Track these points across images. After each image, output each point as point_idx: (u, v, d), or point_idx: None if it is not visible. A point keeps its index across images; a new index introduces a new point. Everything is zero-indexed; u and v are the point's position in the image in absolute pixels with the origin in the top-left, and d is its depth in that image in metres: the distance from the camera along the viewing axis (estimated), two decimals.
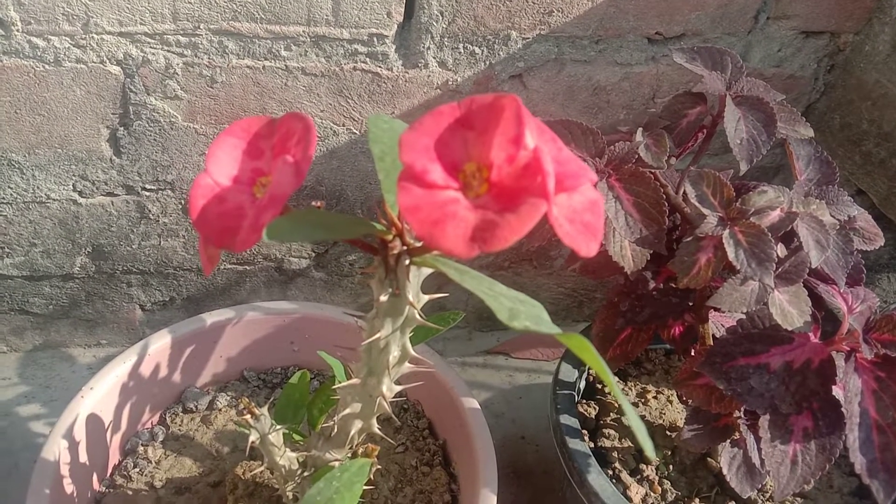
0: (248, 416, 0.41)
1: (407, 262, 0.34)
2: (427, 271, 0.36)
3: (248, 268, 0.83)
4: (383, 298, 0.35)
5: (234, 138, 0.31)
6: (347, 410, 0.41)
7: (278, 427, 0.43)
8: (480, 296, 0.30)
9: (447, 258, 0.34)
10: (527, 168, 0.26)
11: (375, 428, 0.42)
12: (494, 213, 0.26)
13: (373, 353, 0.38)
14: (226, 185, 0.30)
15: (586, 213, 0.28)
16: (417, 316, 0.37)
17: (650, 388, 0.70)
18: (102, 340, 0.87)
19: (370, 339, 0.37)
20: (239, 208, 0.30)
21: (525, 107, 0.27)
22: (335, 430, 0.43)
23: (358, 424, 0.42)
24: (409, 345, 0.39)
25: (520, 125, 0.26)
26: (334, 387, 0.40)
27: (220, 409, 0.63)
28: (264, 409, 0.42)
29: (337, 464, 0.43)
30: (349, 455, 0.46)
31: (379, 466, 0.47)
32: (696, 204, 0.46)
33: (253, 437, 0.42)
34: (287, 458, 0.44)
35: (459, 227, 0.25)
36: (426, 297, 0.38)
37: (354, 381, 0.39)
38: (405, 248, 0.34)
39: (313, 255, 0.83)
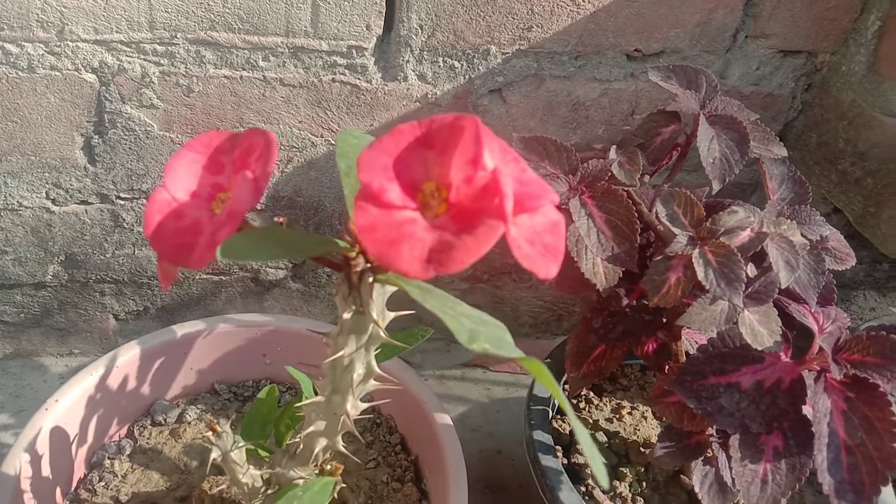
0: (210, 433, 0.41)
1: (370, 279, 0.34)
2: (392, 288, 0.36)
3: (223, 278, 0.82)
4: (346, 316, 0.35)
5: (194, 153, 0.31)
6: (312, 428, 0.40)
7: (241, 444, 0.42)
8: (441, 316, 0.30)
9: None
10: (485, 189, 0.26)
11: (340, 446, 0.42)
12: (451, 235, 0.25)
13: (337, 371, 0.38)
14: (184, 200, 0.30)
15: (547, 235, 0.28)
16: (382, 334, 0.36)
17: (625, 403, 0.69)
18: (75, 350, 0.86)
19: (333, 357, 0.36)
20: (196, 224, 0.29)
21: (486, 126, 0.27)
22: (300, 447, 0.42)
23: (322, 442, 0.41)
24: (374, 363, 0.38)
25: (478, 146, 0.25)
26: (297, 405, 0.40)
27: (190, 423, 0.62)
28: (226, 426, 0.42)
29: (301, 482, 0.42)
30: (316, 473, 0.45)
31: (344, 485, 0.47)
32: (667, 223, 0.46)
33: (214, 454, 0.41)
34: (250, 476, 0.44)
35: (416, 248, 0.25)
36: (392, 315, 0.37)
37: (318, 398, 0.39)
38: (368, 265, 0.33)
39: (290, 265, 0.83)
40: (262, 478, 0.45)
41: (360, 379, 0.38)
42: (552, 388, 0.27)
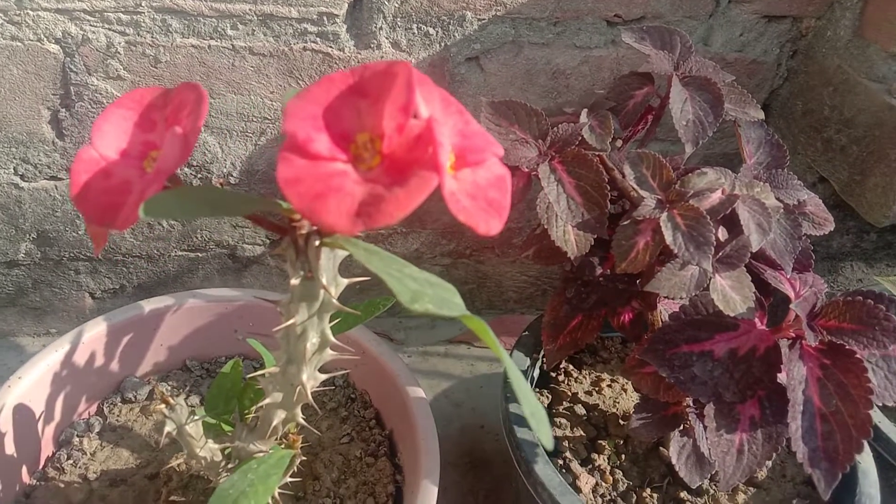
0: (163, 406, 0.40)
1: (317, 242, 0.32)
2: (344, 253, 0.35)
3: (200, 255, 0.81)
4: (295, 282, 0.33)
5: (125, 110, 0.29)
6: (269, 400, 0.39)
7: (196, 417, 0.41)
8: (385, 278, 0.28)
9: (358, 238, 0.32)
10: (419, 139, 0.24)
11: (300, 418, 0.41)
12: (383, 187, 0.24)
13: (290, 340, 0.37)
14: (113, 159, 0.28)
15: (491, 190, 0.27)
16: (334, 301, 0.35)
17: (605, 376, 0.68)
18: (52, 329, 0.85)
19: (285, 325, 0.35)
20: (125, 183, 0.28)
21: (418, 73, 0.25)
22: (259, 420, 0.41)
23: (281, 415, 0.40)
24: (328, 331, 0.37)
25: (410, 92, 0.24)
26: (249, 376, 0.38)
27: None
28: (180, 399, 0.40)
29: (261, 455, 0.41)
30: (280, 446, 0.44)
31: (304, 457, 0.46)
32: (635, 186, 0.44)
33: (169, 427, 0.40)
34: (208, 450, 0.42)
35: (344, 201, 0.24)
36: (346, 281, 0.36)
37: (273, 369, 0.38)
38: (315, 227, 0.32)
39: (268, 241, 0.81)
40: (221, 452, 0.43)
41: (315, 348, 0.37)
42: (493, 345, 0.25)
